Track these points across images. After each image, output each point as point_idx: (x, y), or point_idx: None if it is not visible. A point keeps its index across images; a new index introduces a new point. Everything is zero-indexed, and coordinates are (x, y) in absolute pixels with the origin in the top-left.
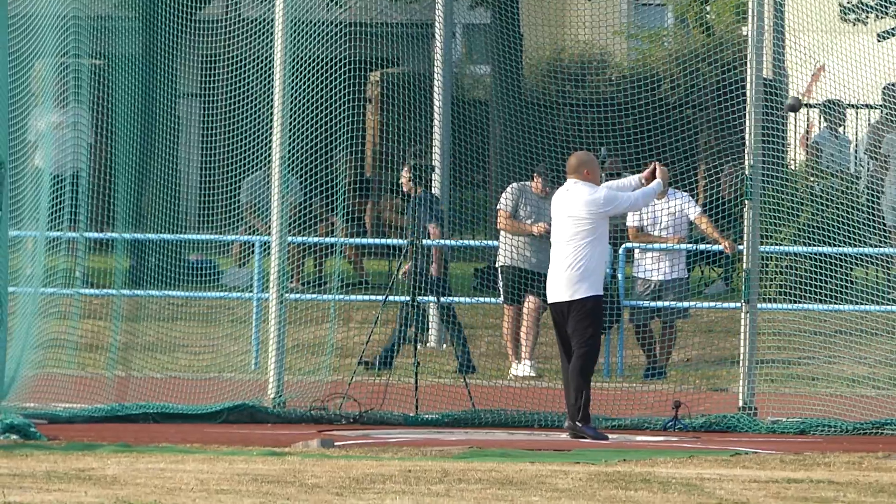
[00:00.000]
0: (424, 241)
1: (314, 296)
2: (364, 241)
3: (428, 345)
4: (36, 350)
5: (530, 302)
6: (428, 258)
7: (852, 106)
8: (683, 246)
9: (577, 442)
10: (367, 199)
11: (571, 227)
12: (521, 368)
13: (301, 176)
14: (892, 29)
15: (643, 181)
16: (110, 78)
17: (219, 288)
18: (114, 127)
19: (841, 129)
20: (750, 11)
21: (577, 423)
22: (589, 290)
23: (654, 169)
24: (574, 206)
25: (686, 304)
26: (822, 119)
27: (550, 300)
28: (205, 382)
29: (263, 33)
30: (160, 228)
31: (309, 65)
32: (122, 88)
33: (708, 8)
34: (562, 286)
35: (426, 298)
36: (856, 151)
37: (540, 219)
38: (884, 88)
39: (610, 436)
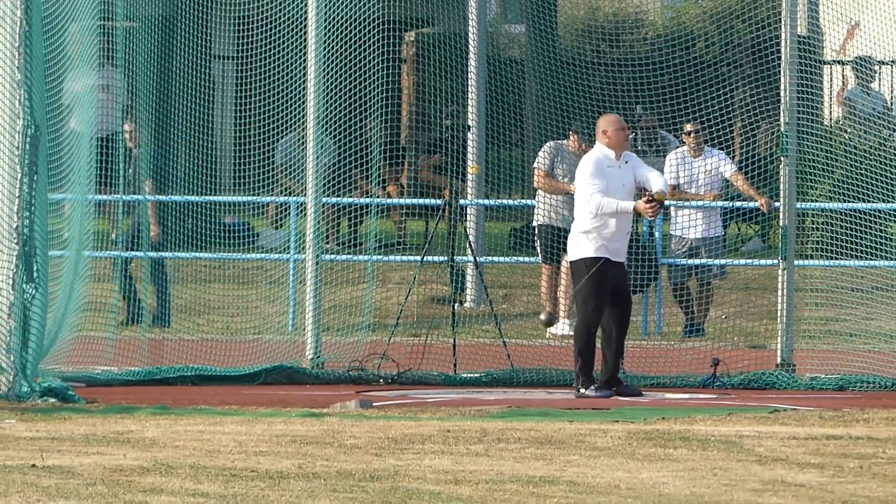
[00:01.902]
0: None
1: (350, 256)
2: (400, 201)
3: (466, 304)
4: (76, 313)
5: (565, 261)
6: (462, 218)
7: (884, 63)
8: (719, 203)
9: (616, 401)
10: (401, 163)
11: (578, 192)
12: (560, 327)
13: (336, 137)
14: None
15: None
16: (144, 40)
17: (254, 249)
18: (148, 89)
19: (873, 86)
20: None
21: (580, 388)
22: (578, 252)
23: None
24: (579, 166)
25: (723, 261)
26: (854, 76)
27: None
28: (242, 344)
29: None
30: (195, 191)
31: (343, 25)
32: (155, 51)
33: None
34: (567, 244)
35: (463, 258)
36: (891, 107)
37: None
38: None
39: (649, 394)
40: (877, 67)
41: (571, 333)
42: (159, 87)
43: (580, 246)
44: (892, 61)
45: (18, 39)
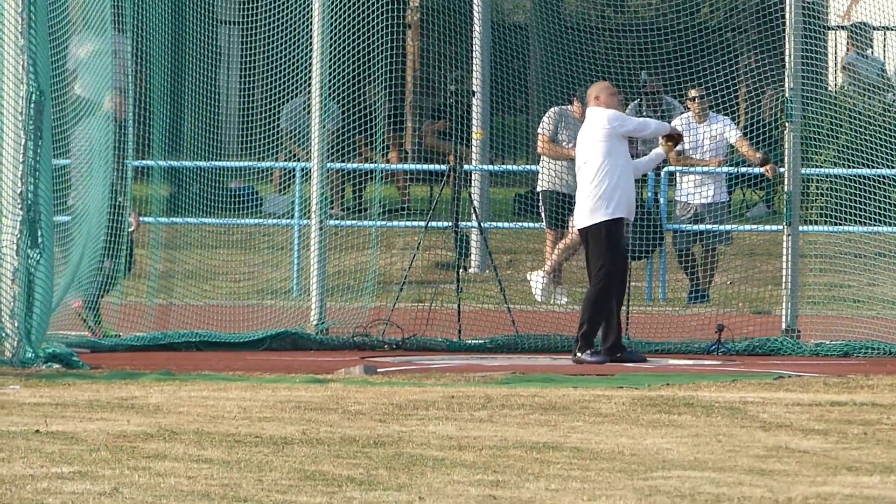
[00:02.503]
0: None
1: (355, 222)
2: (404, 166)
3: (470, 270)
4: (82, 278)
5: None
6: (467, 183)
7: (889, 28)
8: (724, 169)
9: (621, 367)
10: (404, 128)
11: (587, 151)
12: (560, 296)
13: (341, 102)
14: None
15: (662, 139)
16: (151, 6)
17: (259, 215)
18: (153, 55)
19: (869, 51)
20: None
21: (577, 353)
22: (598, 216)
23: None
24: (590, 130)
25: (728, 227)
26: (851, 42)
27: (574, 228)
28: (246, 310)
29: None
30: (200, 156)
31: None
32: (161, 16)
33: None
34: (579, 213)
35: (468, 224)
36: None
37: None
38: None
39: (653, 360)
40: (874, 33)
41: (565, 301)
42: (165, 52)
43: (597, 210)
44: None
45: (22, 4)
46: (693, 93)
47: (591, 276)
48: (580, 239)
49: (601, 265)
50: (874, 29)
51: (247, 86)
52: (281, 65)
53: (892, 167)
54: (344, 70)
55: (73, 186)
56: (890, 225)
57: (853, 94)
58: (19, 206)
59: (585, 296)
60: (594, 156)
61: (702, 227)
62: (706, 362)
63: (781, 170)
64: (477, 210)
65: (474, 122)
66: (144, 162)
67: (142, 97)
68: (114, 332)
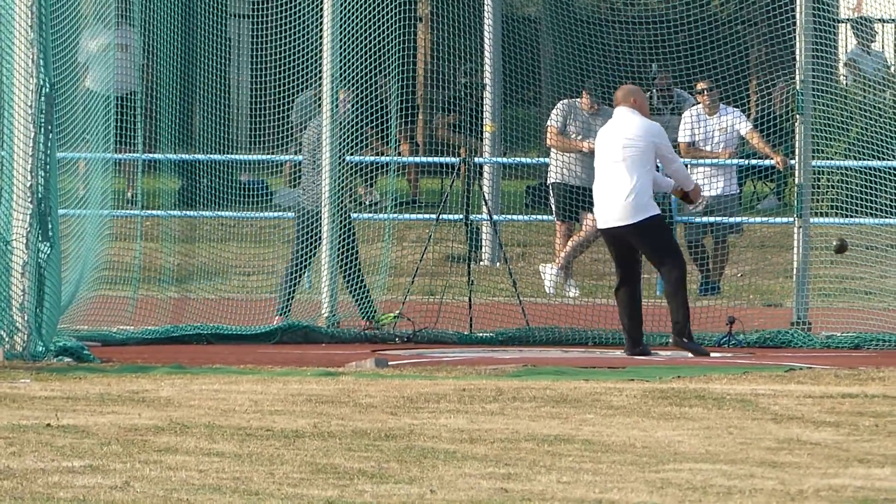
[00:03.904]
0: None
1: (367, 215)
2: (416, 159)
3: (482, 263)
4: (93, 272)
5: (590, 219)
6: (478, 176)
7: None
8: (735, 161)
9: (632, 359)
10: (416, 121)
11: (626, 152)
12: (571, 289)
13: (353, 95)
14: None
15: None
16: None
17: (270, 208)
18: (164, 48)
19: (873, 46)
20: None
21: (683, 339)
22: (651, 210)
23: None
24: (630, 130)
25: (738, 219)
26: (854, 36)
27: (605, 225)
28: (258, 303)
29: None
30: (211, 149)
31: None
32: (171, 9)
33: None
34: (619, 211)
35: (479, 217)
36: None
37: (589, 135)
38: None
39: (663, 353)
40: (884, 27)
41: (575, 294)
42: (176, 46)
43: (647, 207)
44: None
45: None
46: (701, 85)
47: (660, 271)
48: (608, 238)
49: (670, 254)
50: (884, 22)
51: (258, 79)
52: (292, 57)
53: None
54: (355, 63)
55: (303, 184)
56: None
57: (856, 88)
58: (29, 200)
59: (667, 290)
60: (637, 157)
61: (712, 219)
62: (717, 354)
63: (792, 162)
64: (488, 203)
65: (485, 114)
66: (155, 155)
67: (151, 90)
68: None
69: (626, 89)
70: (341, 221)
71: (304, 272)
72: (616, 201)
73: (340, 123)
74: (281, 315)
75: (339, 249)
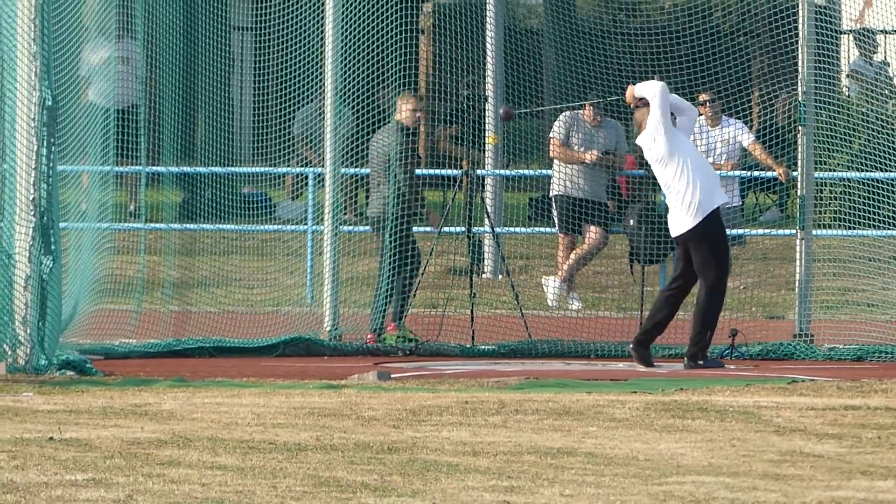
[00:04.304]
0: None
1: (368, 227)
2: (418, 171)
3: (484, 276)
4: (93, 285)
5: (593, 232)
6: (480, 188)
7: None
8: (737, 173)
9: (634, 371)
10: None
11: (652, 160)
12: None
13: (354, 108)
14: None
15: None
16: (163, 12)
17: (272, 221)
18: (166, 61)
19: (875, 57)
20: None
21: (699, 361)
22: (696, 216)
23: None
24: (643, 138)
25: (741, 231)
26: (856, 47)
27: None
28: (260, 316)
29: None
30: (213, 161)
31: None
32: (173, 22)
33: None
34: (679, 218)
35: (481, 229)
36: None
37: (591, 147)
38: None
39: (666, 365)
40: (887, 38)
41: (578, 306)
42: (178, 58)
43: (702, 207)
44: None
45: (34, 12)
46: (703, 97)
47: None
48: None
49: (710, 268)
50: (886, 33)
51: (260, 91)
52: (294, 70)
53: None
54: (357, 75)
55: (371, 196)
56: None
57: (859, 99)
58: (32, 213)
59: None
60: (661, 159)
61: None
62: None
63: (795, 174)
64: (490, 215)
65: (488, 127)
66: (157, 168)
67: (155, 103)
68: (410, 336)
69: (638, 112)
70: (402, 236)
71: (395, 281)
72: (672, 210)
73: (409, 133)
74: (394, 323)
75: (395, 263)
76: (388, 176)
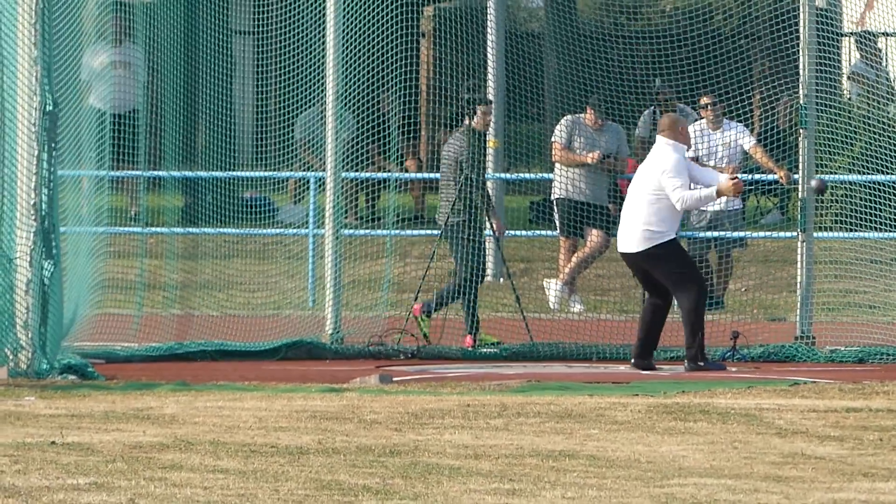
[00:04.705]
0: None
1: (370, 231)
2: (419, 175)
3: (486, 279)
4: (94, 290)
5: (594, 235)
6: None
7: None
8: (739, 176)
9: (636, 374)
10: (419, 137)
11: (650, 183)
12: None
13: (355, 112)
14: None
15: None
16: (164, 16)
17: (274, 225)
18: (167, 65)
19: (878, 60)
20: None
21: (699, 363)
22: (658, 238)
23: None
24: (655, 162)
25: (742, 234)
26: (857, 50)
27: (620, 249)
28: (262, 320)
29: None
30: (215, 166)
31: (362, 0)
32: (174, 27)
33: None
34: (630, 237)
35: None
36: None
37: (593, 150)
38: None
39: (668, 367)
40: (888, 40)
41: (578, 308)
42: (179, 63)
43: (666, 232)
44: None
45: (34, 16)
46: (705, 100)
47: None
48: (624, 260)
49: (680, 278)
50: (888, 36)
51: (261, 95)
52: (295, 75)
53: None
54: (358, 79)
55: (442, 201)
56: None
57: (860, 102)
58: (33, 217)
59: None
60: (653, 191)
61: (716, 233)
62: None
63: (796, 176)
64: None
65: (489, 130)
66: (158, 172)
67: (156, 108)
68: (493, 340)
69: (670, 118)
70: (475, 240)
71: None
72: (628, 227)
73: (480, 137)
74: (470, 335)
75: (469, 265)
76: (457, 181)
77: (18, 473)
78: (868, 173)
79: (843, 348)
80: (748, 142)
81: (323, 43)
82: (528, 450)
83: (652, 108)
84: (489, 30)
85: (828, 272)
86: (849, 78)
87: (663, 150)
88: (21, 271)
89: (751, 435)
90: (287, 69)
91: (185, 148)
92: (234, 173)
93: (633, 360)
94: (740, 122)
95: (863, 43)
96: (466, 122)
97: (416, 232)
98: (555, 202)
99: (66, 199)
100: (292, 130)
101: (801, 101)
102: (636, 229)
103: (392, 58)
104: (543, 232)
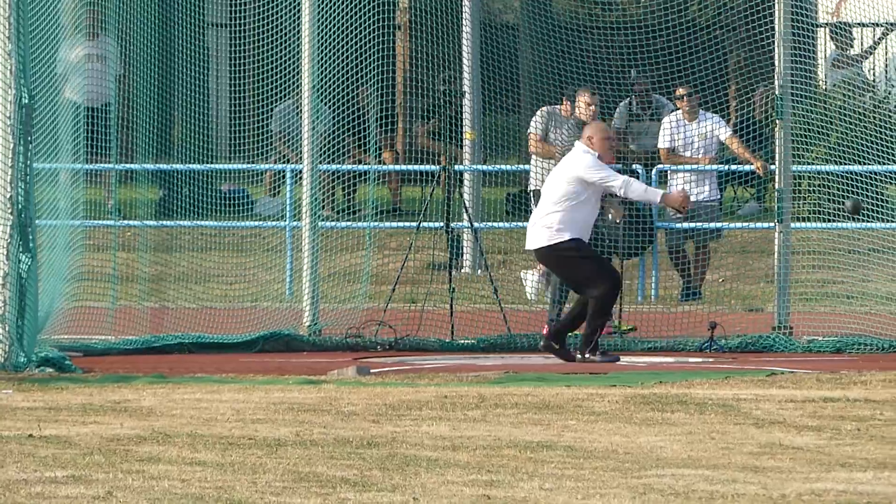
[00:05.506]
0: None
1: (347, 223)
2: (396, 167)
3: (463, 270)
4: (70, 283)
5: None
6: (459, 184)
7: (878, 25)
8: (715, 167)
9: (614, 365)
10: (396, 129)
11: (560, 187)
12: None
13: (332, 104)
14: None
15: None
16: (138, 9)
17: (251, 217)
18: (140, 58)
19: (850, 51)
20: None
21: (588, 354)
22: (557, 237)
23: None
24: (566, 166)
25: (719, 224)
26: (832, 41)
27: (526, 247)
28: (240, 312)
29: None
30: (191, 159)
31: None
32: (148, 19)
33: None
34: (533, 234)
35: (460, 224)
36: (885, 69)
37: (570, 142)
38: None
39: (646, 359)
40: (862, 31)
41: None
42: (153, 55)
43: (559, 232)
44: (887, 24)
45: (9, 9)
46: (680, 91)
47: (580, 290)
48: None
49: (583, 281)
50: (863, 26)
51: (237, 88)
52: (271, 67)
53: (884, 163)
54: (334, 71)
55: None
56: (882, 221)
57: (835, 92)
58: (9, 211)
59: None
60: (566, 194)
61: (693, 224)
62: (699, 359)
63: (772, 167)
64: (469, 210)
65: (465, 122)
66: (132, 165)
67: (129, 100)
68: (628, 327)
69: (590, 127)
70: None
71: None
72: (533, 224)
73: (569, 129)
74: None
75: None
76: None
77: None
78: (844, 163)
79: (820, 338)
80: (724, 132)
81: (298, 35)
82: (505, 441)
83: (628, 99)
84: (464, 21)
85: (805, 262)
86: (833, 65)
87: (581, 157)
88: None
89: (728, 425)
90: (262, 62)
91: (161, 140)
92: (211, 166)
93: (542, 343)
94: (716, 112)
95: (838, 33)
96: (569, 113)
97: (394, 224)
98: (532, 194)
99: (42, 192)
100: (269, 123)
101: (777, 92)
102: (539, 226)
103: (368, 50)
104: (521, 224)
